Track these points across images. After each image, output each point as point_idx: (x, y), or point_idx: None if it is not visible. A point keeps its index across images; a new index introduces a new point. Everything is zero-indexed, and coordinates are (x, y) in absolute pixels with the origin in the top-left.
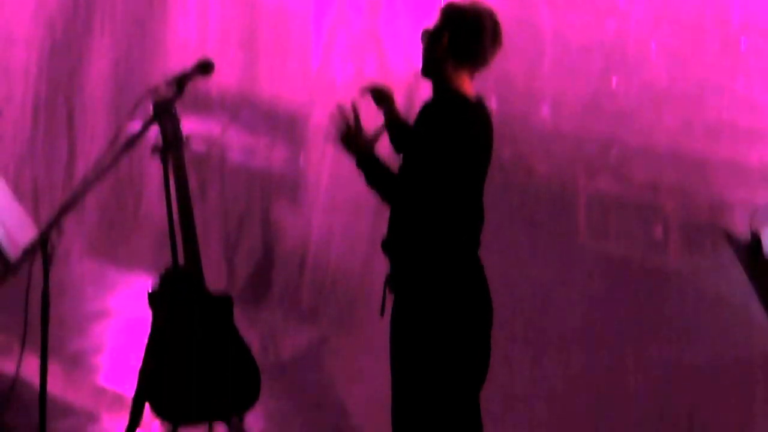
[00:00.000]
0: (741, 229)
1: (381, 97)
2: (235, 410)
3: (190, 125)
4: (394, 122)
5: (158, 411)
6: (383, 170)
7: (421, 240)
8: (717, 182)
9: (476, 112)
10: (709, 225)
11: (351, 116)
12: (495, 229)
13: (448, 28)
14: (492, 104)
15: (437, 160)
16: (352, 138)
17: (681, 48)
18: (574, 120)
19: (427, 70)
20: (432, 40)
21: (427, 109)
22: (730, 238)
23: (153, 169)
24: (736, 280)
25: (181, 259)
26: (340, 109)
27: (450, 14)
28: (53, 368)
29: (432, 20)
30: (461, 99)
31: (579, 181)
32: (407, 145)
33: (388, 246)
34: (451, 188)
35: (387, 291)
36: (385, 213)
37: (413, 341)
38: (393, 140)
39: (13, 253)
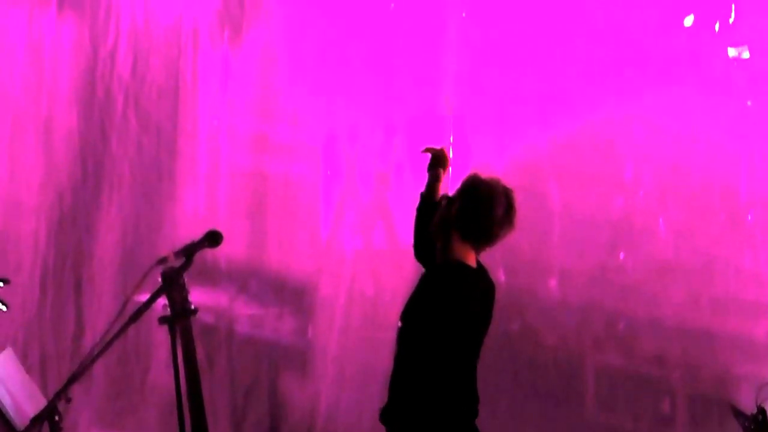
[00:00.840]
0: (747, 403)
1: (435, 162)
2: None
3: (198, 296)
4: (430, 194)
5: None
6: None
7: (419, 410)
8: (723, 356)
9: (474, 278)
10: (716, 398)
11: None
12: (502, 399)
13: (460, 199)
14: (500, 276)
15: (435, 326)
16: None
17: (688, 223)
18: (581, 293)
19: (434, 234)
20: (446, 206)
21: (426, 277)
22: (737, 412)
23: (160, 339)
24: None
25: (188, 431)
26: None
27: (466, 185)
28: None
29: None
30: (459, 266)
31: (586, 353)
32: (409, 313)
33: (386, 416)
34: (448, 355)
35: None
36: None
37: None
38: (420, 211)
39: (21, 422)
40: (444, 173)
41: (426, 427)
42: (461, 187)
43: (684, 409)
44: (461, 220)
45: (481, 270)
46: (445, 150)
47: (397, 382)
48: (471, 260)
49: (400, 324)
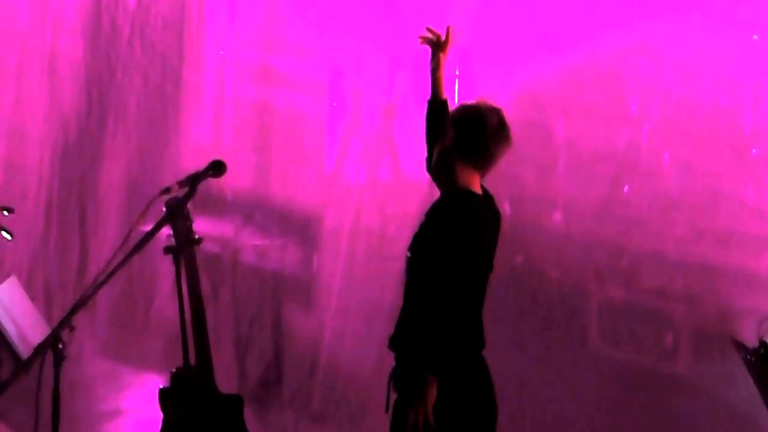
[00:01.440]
0: (749, 337)
1: (434, 50)
2: None
3: (203, 226)
4: (434, 93)
5: None
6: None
7: (427, 338)
8: (726, 290)
9: (482, 208)
10: (718, 332)
11: None
12: (506, 332)
13: (453, 126)
14: (505, 209)
15: (445, 257)
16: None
17: (692, 157)
18: (585, 226)
19: (435, 170)
20: (441, 138)
21: (435, 207)
22: (739, 346)
23: (165, 269)
24: (745, 387)
25: (192, 360)
26: None
27: (456, 113)
28: None
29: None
30: (467, 194)
31: (590, 287)
32: (418, 244)
33: (394, 342)
34: (460, 284)
35: (391, 388)
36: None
37: None
38: (428, 116)
39: (25, 351)
40: (444, 57)
41: (434, 355)
42: (450, 117)
43: (686, 343)
44: (457, 143)
45: (487, 197)
46: (445, 32)
47: (406, 312)
48: (476, 187)
49: (408, 255)
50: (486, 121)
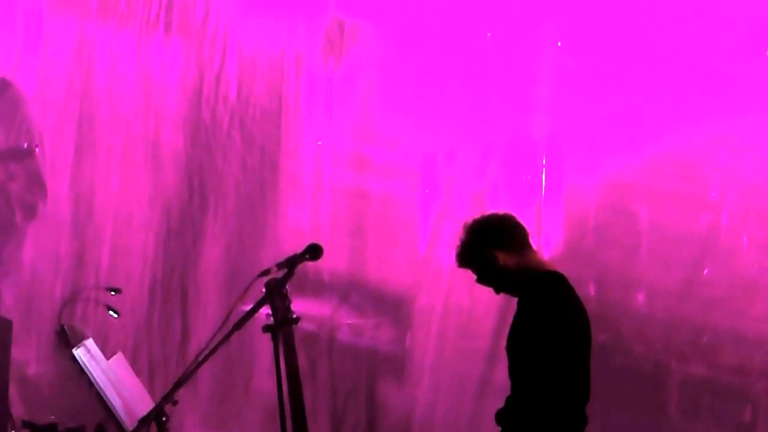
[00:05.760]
0: None
1: None
2: None
3: (301, 306)
4: None
5: None
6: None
7: (535, 416)
8: None
9: (563, 282)
10: None
11: None
12: (592, 407)
13: (483, 245)
14: (590, 290)
15: (545, 337)
16: None
17: None
18: (668, 306)
19: (505, 285)
20: (486, 264)
21: (523, 297)
22: None
23: (263, 346)
24: None
25: None
26: None
27: (472, 240)
28: None
29: (532, 212)
30: (546, 275)
31: (672, 363)
32: (516, 343)
33: (502, 417)
34: (562, 362)
35: None
36: (488, 392)
37: None
38: None
39: (130, 423)
40: None
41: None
42: (474, 248)
43: (765, 418)
44: (500, 243)
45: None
46: None
47: (514, 391)
48: (543, 259)
49: (508, 341)
50: (492, 217)
